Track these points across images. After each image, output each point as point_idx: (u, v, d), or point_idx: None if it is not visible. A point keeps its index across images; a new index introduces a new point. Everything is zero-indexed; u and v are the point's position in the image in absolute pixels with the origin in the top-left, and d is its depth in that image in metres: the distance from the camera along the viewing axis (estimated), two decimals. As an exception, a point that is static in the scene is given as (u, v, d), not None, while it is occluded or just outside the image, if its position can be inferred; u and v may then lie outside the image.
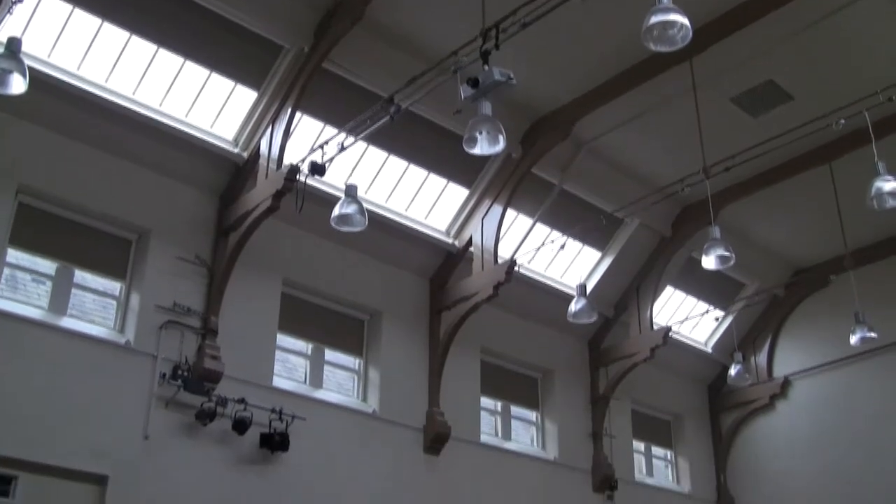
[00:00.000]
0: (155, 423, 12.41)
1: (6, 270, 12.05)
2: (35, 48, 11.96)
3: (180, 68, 13.09)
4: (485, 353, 17.36)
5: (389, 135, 13.86)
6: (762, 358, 20.97)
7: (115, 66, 12.69)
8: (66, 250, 12.69)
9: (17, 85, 9.08)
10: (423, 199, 16.02)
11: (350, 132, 11.29)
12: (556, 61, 14.37)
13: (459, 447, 15.99)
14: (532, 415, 18.37)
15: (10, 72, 8.92)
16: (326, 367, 15.21)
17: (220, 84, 13.49)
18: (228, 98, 13.61)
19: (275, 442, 13.25)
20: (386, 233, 15.49)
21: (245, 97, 13.67)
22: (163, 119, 13.13)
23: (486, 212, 15.86)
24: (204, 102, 13.51)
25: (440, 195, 16.07)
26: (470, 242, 16.08)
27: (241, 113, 13.76)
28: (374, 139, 13.99)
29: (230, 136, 13.85)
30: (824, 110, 12.02)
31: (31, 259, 12.41)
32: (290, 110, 13.12)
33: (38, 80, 11.51)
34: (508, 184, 15.69)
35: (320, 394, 14.72)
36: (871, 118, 11.64)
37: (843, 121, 11.58)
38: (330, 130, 13.70)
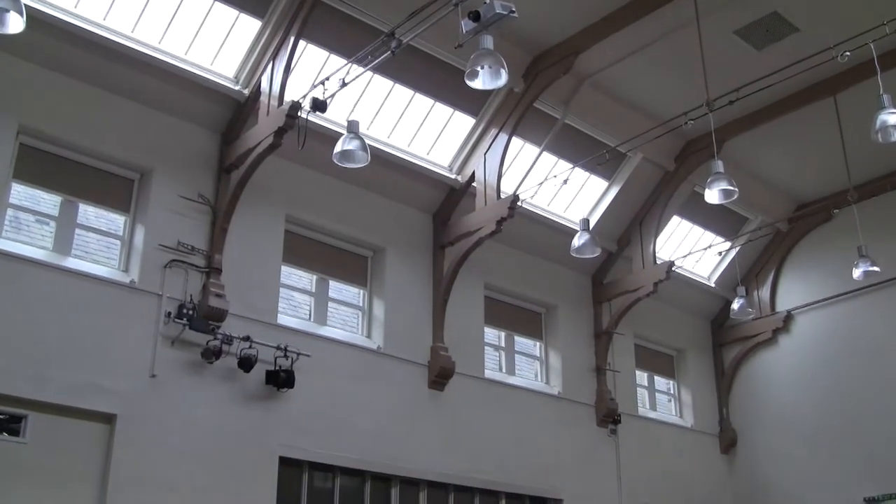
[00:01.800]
0: (161, 362, 12.50)
1: (9, 211, 12.05)
2: (32, -15, 11.84)
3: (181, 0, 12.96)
4: (488, 288, 17.43)
5: (394, 66, 13.72)
6: (765, 292, 21.02)
7: (113, 2, 12.56)
8: (69, 192, 12.67)
9: (15, 23, 9.00)
10: (427, 134, 15.95)
11: (351, 68, 11.22)
12: (558, -6, 14.25)
13: (464, 382, 16.12)
14: (536, 349, 18.48)
15: (7, 10, 8.84)
16: (331, 304, 15.27)
17: (220, 18, 13.30)
18: (230, 31, 13.44)
19: (280, 379, 13.34)
20: (388, 168, 15.46)
21: (245, 32, 13.51)
22: (163, 57, 13.03)
23: (489, 147, 15.81)
24: (204, 40, 13.38)
25: (446, 124, 15.99)
26: (473, 178, 16.05)
27: (241, 50, 13.64)
28: (379, 69, 13.89)
29: (231, 73, 13.75)
30: (829, 42, 11.86)
31: (34, 200, 12.40)
32: (290, 46, 13.01)
33: (36, 19, 11.43)
34: (511, 118, 15.62)
35: (325, 331, 14.80)
36: (877, 50, 11.48)
37: (847, 53, 11.43)
38: (331, 66, 13.64)
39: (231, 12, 13.33)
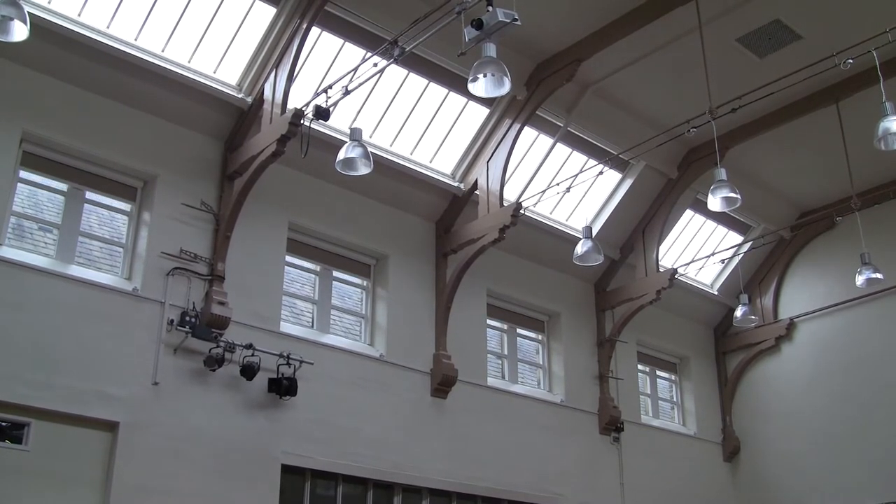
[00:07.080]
0: (164, 370, 12.50)
1: (13, 219, 12.06)
2: (36, -6, 11.86)
3: (188, 3, 12.92)
4: (491, 296, 17.41)
5: (407, 62, 13.59)
6: (768, 300, 21.00)
7: (116, 10, 12.58)
8: (71, 200, 12.69)
9: (19, 32, 9.03)
10: (431, 140, 15.93)
11: (353, 75, 11.25)
12: (560, 1, 14.23)
13: (466, 390, 16.10)
14: (538, 357, 18.46)
15: (12, 18, 8.86)
16: (333, 312, 15.27)
17: (227, 21, 13.28)
18: (245, 18, 13.34)
19: (283, 387, 13.34)
20: (391, 176, 15.48)
21: (257, 25, 13.45)
22: (166, 65, 13.04)
23: (492, 154, 15.81)
24: (209, 45, 13.39)
25: (459, 115, 15.88)
26: (475, 185, 16.04)
27: (247, 52, 13.62)
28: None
29: (234, 80, 13.76)
30: (831, 50, 11.88)
31: (37, 208, 12.41)
32: (293, 54, 13.01)
33: (40, 27, 11.48)
34: (513, 126, 15.62)
35: (328, 338, 14.79)
36: (880, 58, 11.49)
37: (850, 60, 11.43)
38: (335, 73, 13.64)
39: (242, 5, 13.25)
